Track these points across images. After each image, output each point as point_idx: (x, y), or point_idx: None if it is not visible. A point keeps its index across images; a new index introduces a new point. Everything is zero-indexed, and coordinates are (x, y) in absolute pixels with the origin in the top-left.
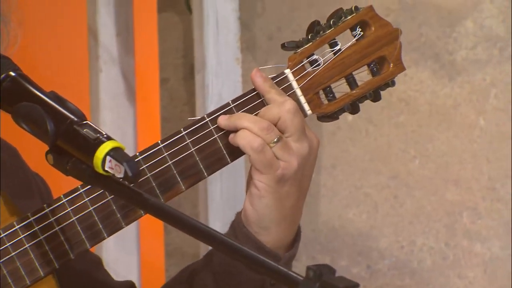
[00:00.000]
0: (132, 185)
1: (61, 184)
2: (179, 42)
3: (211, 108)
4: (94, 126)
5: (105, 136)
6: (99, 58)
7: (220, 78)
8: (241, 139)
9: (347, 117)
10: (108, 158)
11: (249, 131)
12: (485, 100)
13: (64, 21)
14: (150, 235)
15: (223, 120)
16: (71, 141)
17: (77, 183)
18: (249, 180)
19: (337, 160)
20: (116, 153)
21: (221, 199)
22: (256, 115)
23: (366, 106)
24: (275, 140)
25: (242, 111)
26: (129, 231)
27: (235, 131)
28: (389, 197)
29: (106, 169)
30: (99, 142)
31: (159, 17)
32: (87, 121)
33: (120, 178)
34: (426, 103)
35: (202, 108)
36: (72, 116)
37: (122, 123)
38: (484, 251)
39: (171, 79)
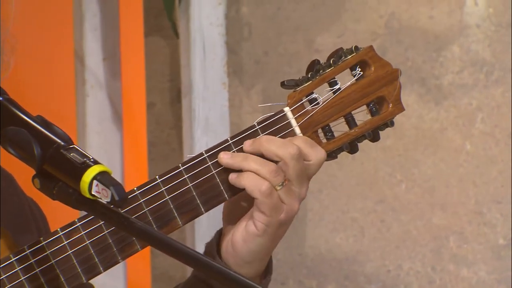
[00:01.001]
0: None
1: (54, 205)
2: (165, 67)
3: (198, 132)
4: (81, 150)
5: (92, 160)
6: (85, 83)
7: (207, 103)
8: (248, 182)
9: None
10: (95, 182)
11: (256, 173)
12: (472, 125)
13: (50, 46)
14: (137, 259)
15: (225, 159)
16: (58, 165)
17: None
18: (235, 210)
19: (323, 185)
20: (103, 177)
21: (208, 224)
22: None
23: None
24: (281, 183)
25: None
26: None
27: (238, 170)
28: (375, 221)
29: (93, 193)
30: (86, 166)
31: (146, 41)
32: (74, 145)
33: (107, 202)
34: (413, 127)
35: (189, 132)
36: (59, 140)
37: (108, 147)
38: (471, 275)
39: (158, 103)
